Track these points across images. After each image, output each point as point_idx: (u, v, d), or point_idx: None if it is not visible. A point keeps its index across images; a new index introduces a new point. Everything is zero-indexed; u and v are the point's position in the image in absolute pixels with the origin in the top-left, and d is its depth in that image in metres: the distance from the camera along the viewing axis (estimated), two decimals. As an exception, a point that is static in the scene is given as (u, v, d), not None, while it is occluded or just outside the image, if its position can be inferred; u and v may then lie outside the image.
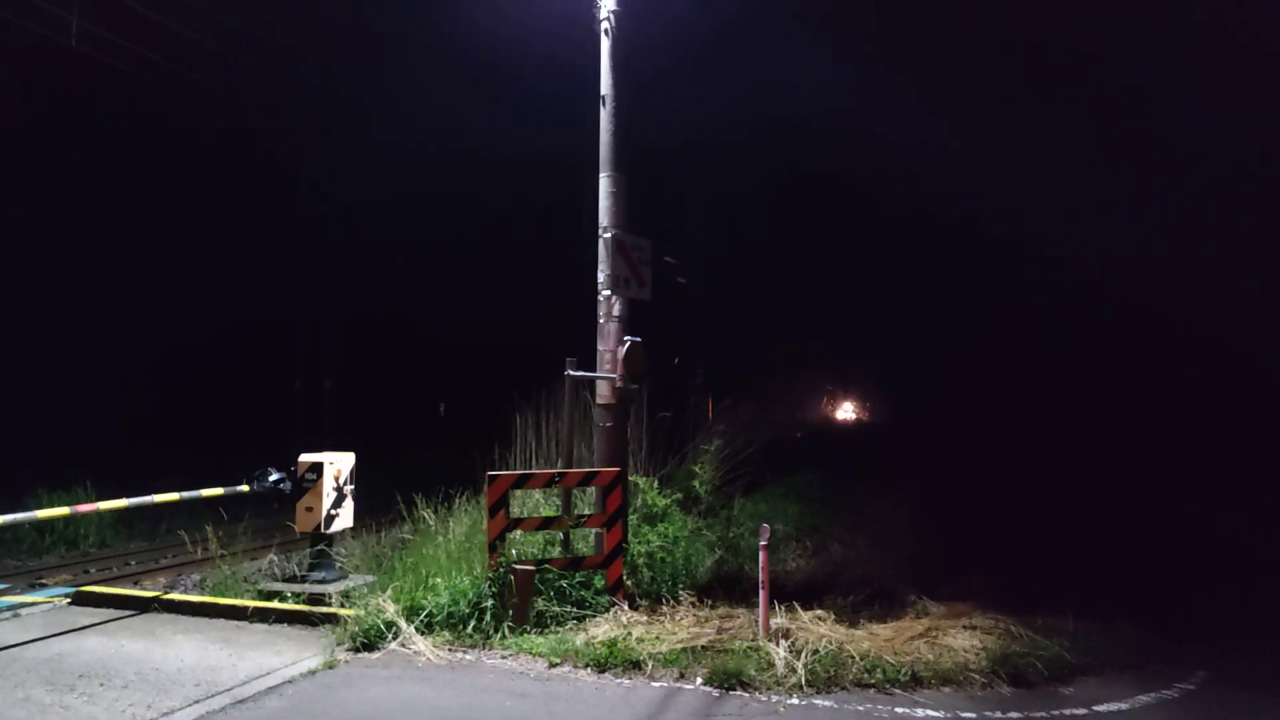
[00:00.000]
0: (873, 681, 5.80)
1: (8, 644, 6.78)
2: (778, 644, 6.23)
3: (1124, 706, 5.56)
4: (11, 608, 8.04)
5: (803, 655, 6.03)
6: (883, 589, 8.15)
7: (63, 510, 8.20)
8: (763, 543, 6.76)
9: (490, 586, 7.06)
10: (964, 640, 6.48)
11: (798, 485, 14.20)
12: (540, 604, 7.16)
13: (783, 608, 7.06)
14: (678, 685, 5.84)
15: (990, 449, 18.60)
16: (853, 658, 6.05)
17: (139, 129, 22.60)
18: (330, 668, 6.22)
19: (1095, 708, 5.52)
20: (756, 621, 6.67)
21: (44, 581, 10.36)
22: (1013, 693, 5.77)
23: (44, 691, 5.72)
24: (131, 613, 7.78)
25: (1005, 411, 21.37)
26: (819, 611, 7.11)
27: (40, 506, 10.76)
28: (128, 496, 8.24)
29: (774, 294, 24.56)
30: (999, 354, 22.92)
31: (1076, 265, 21.24)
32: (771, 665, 5.95)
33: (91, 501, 8.69)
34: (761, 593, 6.62)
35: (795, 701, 5.55)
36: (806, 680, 5.76)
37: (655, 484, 9.62)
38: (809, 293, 25.62)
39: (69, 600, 8.28)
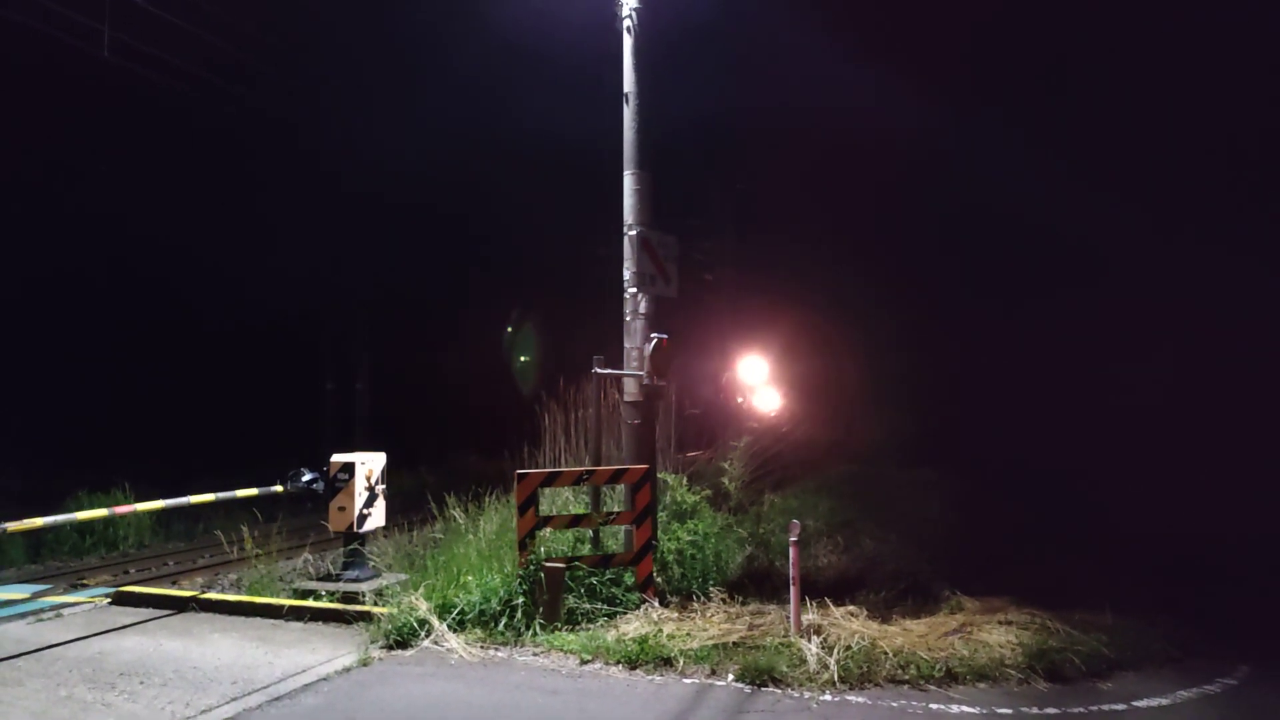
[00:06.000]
0: (906, 678, 5.75)
1: (51, 643, 6.92)
2: (810, 640, 6.20)
3: (1165, 702, 5.46)
4: (54, 607, 8.21)
5: (835, 651, 6.00)
6: (916, 584, 8.07)
7: (102, 512, 8.37)
8: (793, 539, 6.72)
9: (521, 584, 7.09)
10: (999, 636, 6.40)
11: (829, 480, 14.10)
12: (571, 601, 7.17)
13: (814, 604, 7.03)
14: (709, 682, 5.83)
15: (1024, 441, 18.34)
16: (886, 654, 6.00)
17: (176, 138, 23.00)
18: (365, 665, 6.28)
19: (1135, 703, 5.43)
20: (788, 618, 6.64)
21: (85, 582, 10.55)
22: (1050, 688, 5.69)
23: (86, 689, 5.83)
24: (170, 612, 7.91)
25: (1039, 402, 21.07)
26: (851, 607, 7.06)
27: (80, 508, 10.98)
28: (165, 498, 8.38)
29: (804, 289, 24.42)
30: (1031, 342, 22.61)
31: (1115, 248, 20.86)
32: (803, 661, 5.92)
33: (130, 503, 8.85)
34: (793, 589, 6.58)
35: (828, 698, 5.52)
36: (839, 676, 5.72)
37: (684, 481, 9.61)
38: (840, 286, 25.45)
39: (109, 600, 8.43)
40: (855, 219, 25.24)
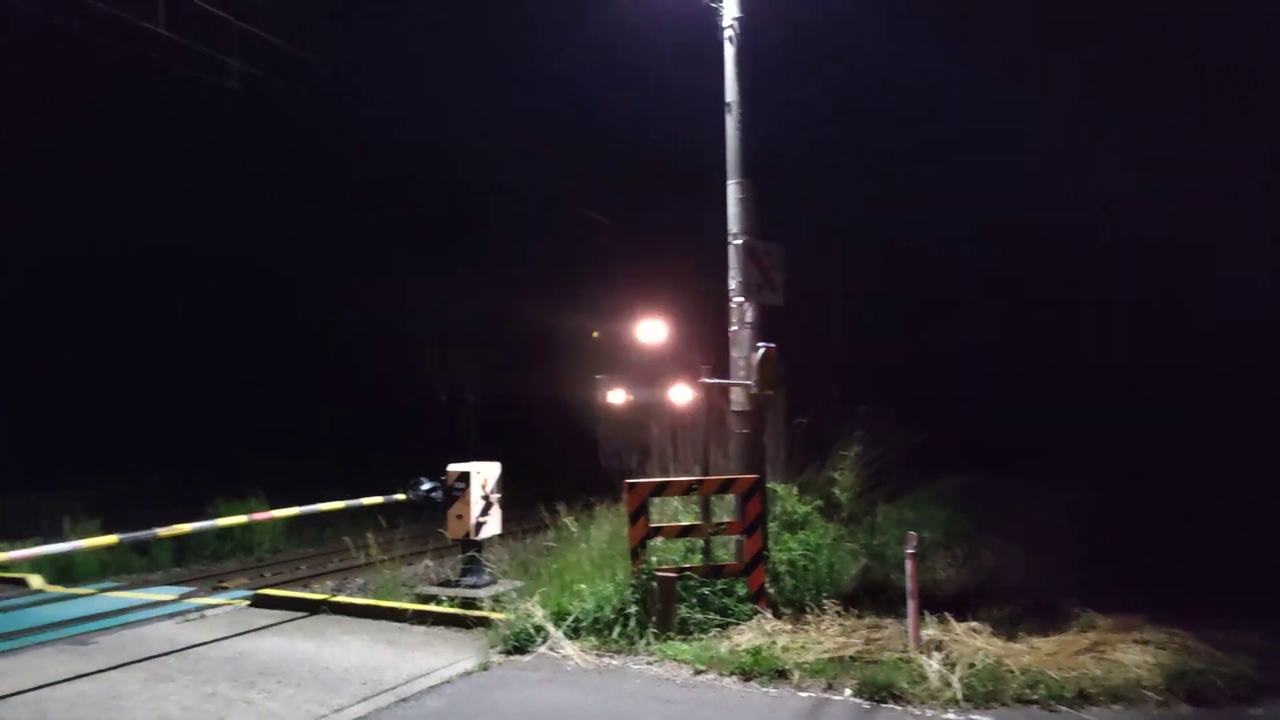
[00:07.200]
0: (1035, 698, 5.51)
1: (196, 642, 7.38)
2: (930, 656, 6.02)
3: (1323, 730, 5.08)
4: (199, 609, 8.76)
5: (957, 668, 5.81)
6: (1041, 600, 7.70)
7: (241, 519, 8.91)
8: (910, 551, 6.56)
9: (633, 593, 7.14)
10: (1135, 655, 6.06)
11: (944, 490, 13.67)
12: (683, 611, 7.19)
13: (933, 618, 6.81)
14: (826, 696, 5.74)
15: (1160, 445, 17.33)
16: (1012, 672, 5.77)
17: (299, 159, 24.26)
18: (484, 669, 6.46)
19: (1288, 731, 5.07)
20: (905, 632, 6.47)
21: (225, 585, 11.22)
22: (1192, 712, 5.37)
23: (229, 687, 6.20)
24: (303, 614, 8.32)
25: (1178, 402, 19.88)
26: (973, 623, 6.80)
27: (219, 515, 11.68)
28: (291, 504, 8.82)
29: (912, 294, 23.86)
30: (1167, 340, 21.38)
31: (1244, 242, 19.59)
32: (924, 678, 5.76)
33: (264, 509, 9.34)
34: (910, 602, 6.42)
35: (952, 716, 5.35)
36: (963, 694, 5.54)
37: (795, 491, 9.49)
38: (950, 293, 24.76)
39: (248, 602, 8.93)
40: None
